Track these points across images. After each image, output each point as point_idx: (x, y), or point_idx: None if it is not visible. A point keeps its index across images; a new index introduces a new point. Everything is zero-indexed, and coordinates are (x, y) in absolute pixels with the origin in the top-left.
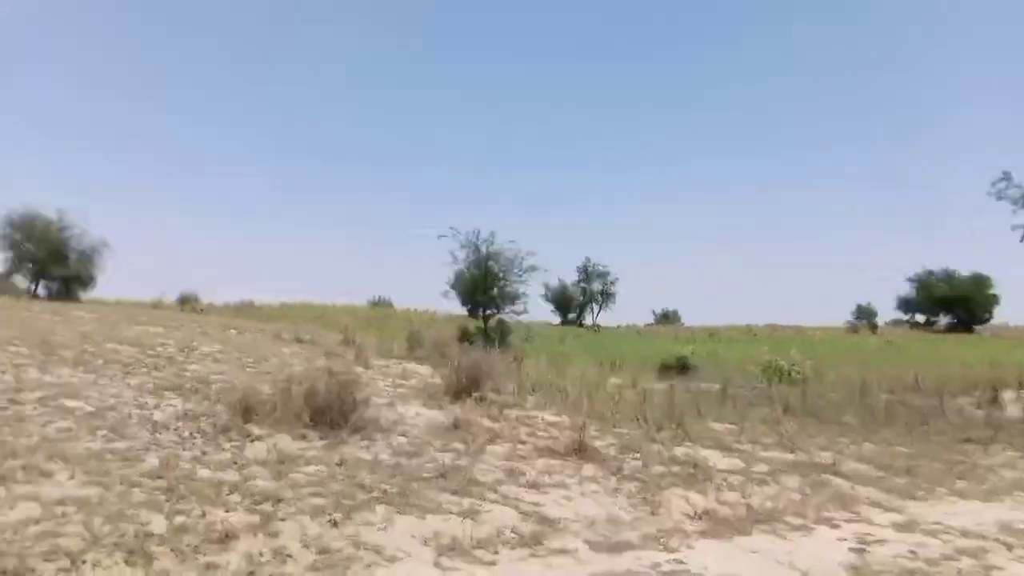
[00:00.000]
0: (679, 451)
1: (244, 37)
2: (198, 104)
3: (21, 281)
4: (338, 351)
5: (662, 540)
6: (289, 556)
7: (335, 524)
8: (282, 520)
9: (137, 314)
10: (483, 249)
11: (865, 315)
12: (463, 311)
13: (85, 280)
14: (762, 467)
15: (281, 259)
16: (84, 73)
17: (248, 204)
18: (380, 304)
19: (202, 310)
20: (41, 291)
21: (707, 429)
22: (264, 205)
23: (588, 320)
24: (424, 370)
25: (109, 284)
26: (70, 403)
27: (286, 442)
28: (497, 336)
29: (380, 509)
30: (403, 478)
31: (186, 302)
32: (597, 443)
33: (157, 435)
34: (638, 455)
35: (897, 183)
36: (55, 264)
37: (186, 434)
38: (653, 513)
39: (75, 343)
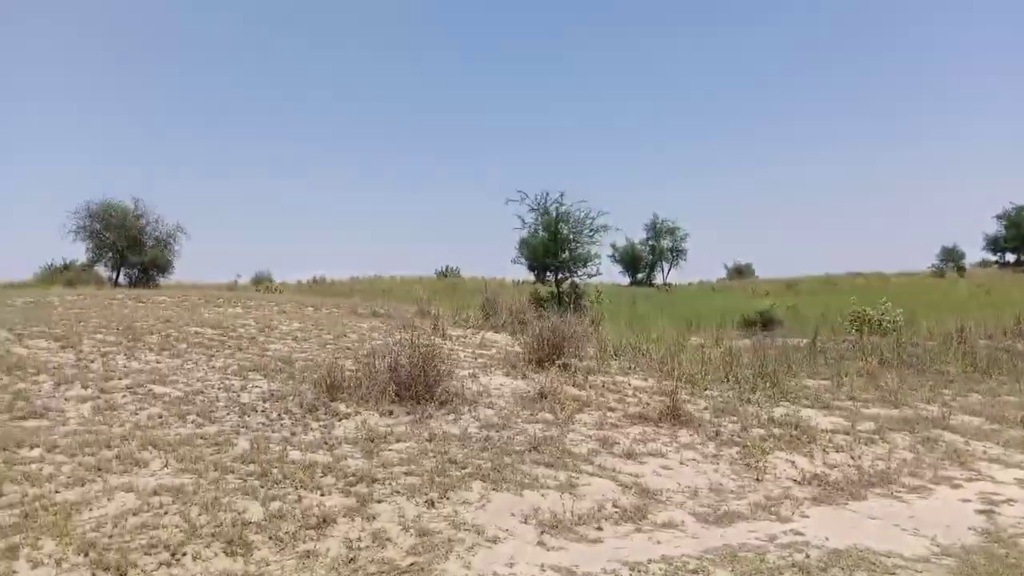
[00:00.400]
0: (777, 411)
1: (303, 16)
2: (263, 86)
3: (103, 270)
4: (415, 323)
5: (772, 509)
6: (388, 540)
7: (432, 504)
8: (378, 502)
9: (215, 296)
10: (552, 211)
11: (951, 257)
12: (531, 276)
13: (163, 266)
14: (867, 425)
15: (347, 235)
16: (156, 63)
17: (312, 183)
18: (448, 274)
19: (277, 289)
20: (122, 279)
21: (801, 386)
22: (327, 183)
23: (658, 279)
24: (502, 338)
25: (186, 269)
26: (158, 389)
27: (374, 419)
28: (571, 300)
29: (476, 486)
30: (495, 452)
31: (260, 282)
32: (689, 407)
33: (245, 417)
34: (734, 418)
35: (978, 116)
36: (134, 252)
37: (274, 415)
38: (758, 479)
39: (158, 328)
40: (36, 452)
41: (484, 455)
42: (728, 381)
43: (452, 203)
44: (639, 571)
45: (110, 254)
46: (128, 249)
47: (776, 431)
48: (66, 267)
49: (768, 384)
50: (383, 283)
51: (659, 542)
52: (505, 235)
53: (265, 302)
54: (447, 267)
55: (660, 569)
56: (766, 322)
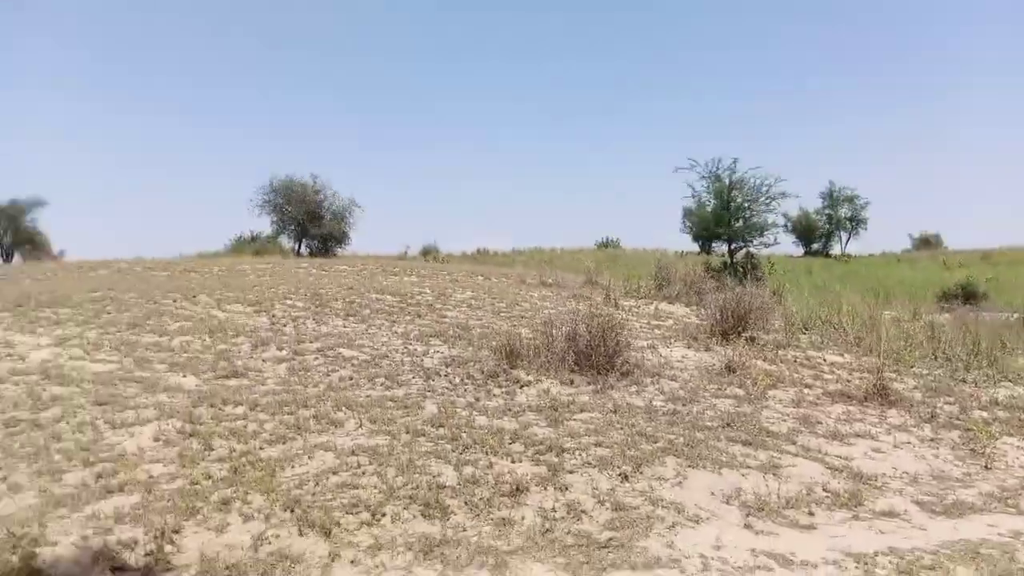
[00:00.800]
0: (1000, 393)
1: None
2: (416, 68)
3: (286, 241)
4: (584, 293)
5: (1010, 501)
6: (583, 512)
7: (626, 478)
8: (569, 472)
9: (390, 266)
10: (725, 178)
11: None
12: (695, 247)
13: (340, 238)
14: None
15: (506, 207)
16: (326, 41)
17: (470, 157)
18: (608, 245)
19: (443, 260)
20: (303, 249)
21: (1021, 365)
22: (484, 155)
23: (835, 249)
24: (677, 309)
25: (360, 240)
26: (347, 352)
27: (555, 387)
28: (746, 271)
29: (670, 461)
30: (684, 427)
31: (428, 253)
32: (896, 385)
33: (430, 382)
34: (950, 398)
35: None
36: (314, 224)
37: (456, 380)
38: (987, 467)
39: (342, 295)
40: (240, 410)
41: (674, 430)
42: (936, 359)
43: (609, 175)
44: (866, 563)
45: (292, 226)
46: (308, 222)
47: (1001, 414)
48: (253, 239)
49: (985, 363)
50: (544, 254)
51: (882, 532)
52: (663, 206)
53: (436, 271)
54: (607, 238)
55: (890, 562)
56: (968, 295)
